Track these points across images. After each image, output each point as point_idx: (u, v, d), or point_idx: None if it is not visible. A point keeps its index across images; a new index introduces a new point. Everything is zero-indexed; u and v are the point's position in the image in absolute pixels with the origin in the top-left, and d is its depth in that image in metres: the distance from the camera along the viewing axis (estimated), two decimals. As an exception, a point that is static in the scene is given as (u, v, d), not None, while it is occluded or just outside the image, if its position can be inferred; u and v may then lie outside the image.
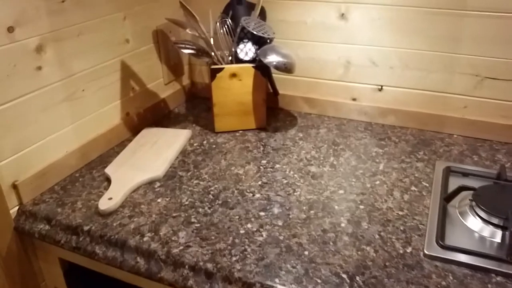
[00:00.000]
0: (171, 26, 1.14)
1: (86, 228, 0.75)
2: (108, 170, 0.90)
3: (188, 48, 0.99)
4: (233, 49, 1.04)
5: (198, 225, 0.75)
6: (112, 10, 0.95)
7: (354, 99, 1.14)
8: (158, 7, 1.10)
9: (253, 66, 1.02)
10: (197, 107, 1.24)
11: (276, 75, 1.17)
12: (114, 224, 0.76)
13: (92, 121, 0.95)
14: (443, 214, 0.75)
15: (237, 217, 0.77)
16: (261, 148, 1.01)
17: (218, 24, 1.06)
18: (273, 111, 1.21)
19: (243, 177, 0.89)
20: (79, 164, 0.93)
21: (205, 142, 1.04)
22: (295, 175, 0.90)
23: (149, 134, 1.05)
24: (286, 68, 0.98)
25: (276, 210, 0.79)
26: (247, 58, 1.04)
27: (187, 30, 1.04)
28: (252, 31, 0.97)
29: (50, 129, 0.85)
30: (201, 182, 0.88)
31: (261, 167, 0.93)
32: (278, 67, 0.97)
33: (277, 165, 0.94)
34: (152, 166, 0.91)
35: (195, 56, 1.01)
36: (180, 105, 1.26)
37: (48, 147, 0.85)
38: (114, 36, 0.97)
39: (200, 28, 0.96)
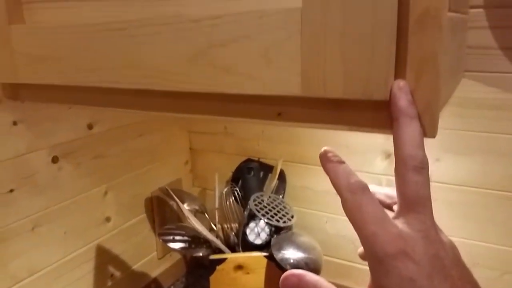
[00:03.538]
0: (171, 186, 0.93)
1: None
2: None
3: (177, 241, 0.75)
4: (241, 229, 0.80)
5: None
6: (89, 187, 0.75)
7: (403, 295, 0.84)
8: (157, 169, 0.91)
9: (265, 256, 0.77)
10: (199, 283, 0.98)
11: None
12: None
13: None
14: None
15: None
16: None
17: (224, 193, 0.85)
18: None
19: None
20: None
21: None
22: None
23: None
24: (309, 269, 0.72)
25: None
26: (258, 242, 0.80)
27: (185, 205, 0.83)
28: (262, 218, 0.74)
29: None
30: None
31: None
32: (298, 268, 0.71)
33: None
34: None
35: (187, 250, 0.76)
36: (178, 281, 1.00)
37: None
38: (89, 217, 0.76)
39: (193, 224, 0.73)
